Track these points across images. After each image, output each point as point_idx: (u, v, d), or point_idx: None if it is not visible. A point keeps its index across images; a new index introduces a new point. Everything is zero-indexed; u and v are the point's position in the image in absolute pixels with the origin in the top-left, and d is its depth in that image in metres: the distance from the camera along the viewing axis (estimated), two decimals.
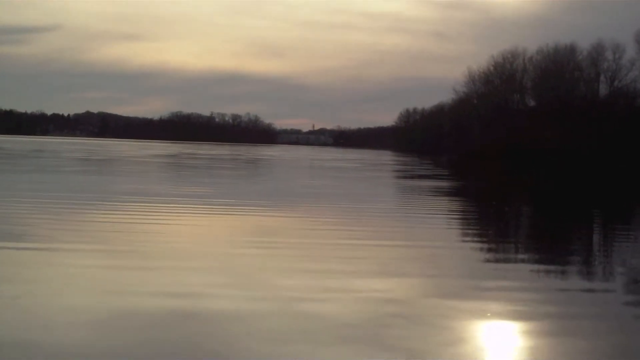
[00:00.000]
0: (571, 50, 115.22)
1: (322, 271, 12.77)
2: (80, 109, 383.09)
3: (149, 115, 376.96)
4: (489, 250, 17.03)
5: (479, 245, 17.74)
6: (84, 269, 12.33)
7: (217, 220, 20.44)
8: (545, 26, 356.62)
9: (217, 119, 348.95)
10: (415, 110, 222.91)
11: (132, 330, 8.68)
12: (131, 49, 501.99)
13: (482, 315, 9.93)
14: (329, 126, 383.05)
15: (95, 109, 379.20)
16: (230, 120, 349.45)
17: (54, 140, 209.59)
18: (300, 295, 10.69)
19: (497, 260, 15.38)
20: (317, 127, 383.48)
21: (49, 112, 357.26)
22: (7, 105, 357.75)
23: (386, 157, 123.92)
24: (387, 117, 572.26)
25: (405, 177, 53.74)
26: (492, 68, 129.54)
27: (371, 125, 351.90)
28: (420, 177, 53.08)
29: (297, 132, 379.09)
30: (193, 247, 15.47)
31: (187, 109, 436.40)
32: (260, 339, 8.45)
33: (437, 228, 20.52)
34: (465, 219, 23.93)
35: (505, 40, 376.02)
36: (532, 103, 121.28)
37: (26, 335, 8.37)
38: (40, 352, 7.82)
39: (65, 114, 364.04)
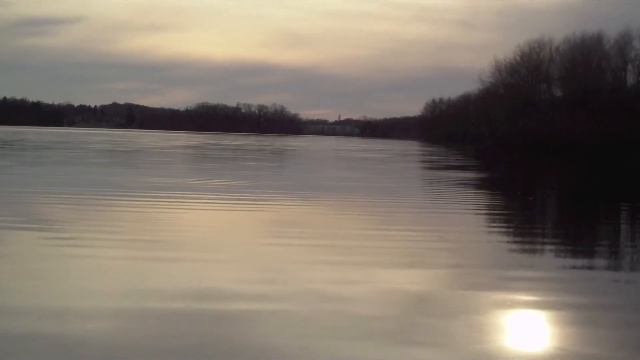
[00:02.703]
0: (598, 39, 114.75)
1: (347, 263, 12.60)
2: (106, 101, 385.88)
3: (175, 106, 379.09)
4: (518, 241, 16.75)
5: (509, 237, 17.45)
6: (110, 260, 12.28)
7: (242, 212, 20.22)
8: (572, 15, 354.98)
9: (243, 110, 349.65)
10: (441, 100, 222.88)
11: (157, 322, 8.57)
12: (156, 40, 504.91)
13: (508, 305, 9.80)
14: (355, 116, 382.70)
15: (121, 100, 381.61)
16: (257, 111, 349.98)
17: (80, 131, 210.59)
18: (325, 287, 10.55)
19: (525, 251, 15.10)
20: (343, 118, 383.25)
21: (75, 103, 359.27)
22: (34, 97, 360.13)
23: (413, 147, 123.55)
24: (413, 107, 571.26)
25: (434, 168, 53.41)
26: (518, 58, 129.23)
27: (397, 115, 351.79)
28: (450, 168, 52.69)
29: (323, 122, 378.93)
30: (218, 238, 15.37)
31: (213, 99, 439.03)
32: (286, 333, 8.33)
33: (467, 220, 20.17)
34: (496, 210, 23.60)
35: (531, 29, 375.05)
36: (558, 93, 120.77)
37: (43, 325, 8.28)
38: (60, 343, 7.70)
39: (92, 106, 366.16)
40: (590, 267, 13.50)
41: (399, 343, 7.97)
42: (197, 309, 9.13)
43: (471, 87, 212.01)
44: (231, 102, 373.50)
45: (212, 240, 15.09)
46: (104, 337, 7.86)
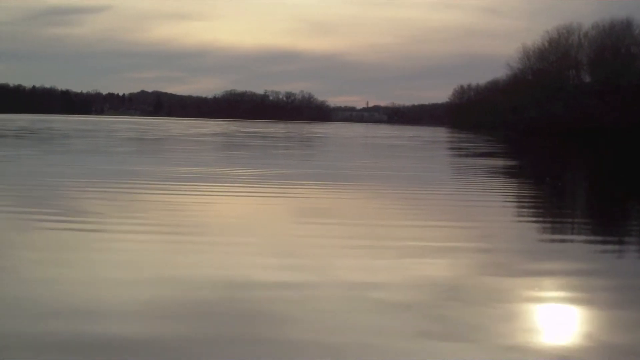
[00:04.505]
0: (627, 25, 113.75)
1: (374, 249, 12.51)
2: (134, 89, 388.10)
3: (202, 94, 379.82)
4: (549, 229, 16.55)
5: (540, 225, 17.18)
6: (140, 245, 12.43)
7: (270, 200, 20.12)
8: (599, 0, 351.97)
9: (271, 97, 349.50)
10: (469, 86, 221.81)
11: (186, 310, 8.55)
12: (184, 28, 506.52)
13: (536, 290, 9.80)
14: (383, 103, 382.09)
15: (149, 88, 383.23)
16: (284, 98, 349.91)
17: (108, 119, 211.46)
18: (354, 274, 10.52)
19: (555, 241, 14.87)
20: (371, 104, 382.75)
21: (104, 91, 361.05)
22: (63, 86, 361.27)
23: (442, 134, 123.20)
24: (441, 94, 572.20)
25: (464, 155, 53.07)
26: (546, 44, 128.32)
27: (425, 102, 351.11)
28: (481, 155, 52.39)
29: (351, 109, 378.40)
30: (247, 225, 15.30)
31: (241, 87, 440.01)
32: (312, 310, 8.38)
33: (499, 208, 19.94)
34: (530, 198, 23.33)
35: (559, 15, 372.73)
36: (587, 79, 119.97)
37: (76, 308, 8.35)
38: (90, 329, 7.72)
39: (120, 94, 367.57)
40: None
41: (426, 334, 7.84)
42: (225, 295, 9.14)
43: (499, 73, 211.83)
44: (259, 90, 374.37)
45: (242, 228, 14.97)
46: (134, 328, 7.77)
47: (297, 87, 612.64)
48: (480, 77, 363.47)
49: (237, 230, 14.59)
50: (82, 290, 9.21)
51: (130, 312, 8.33)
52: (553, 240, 14.92)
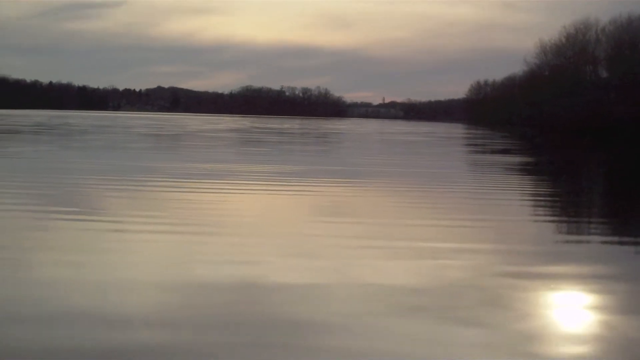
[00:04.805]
0: None
1: (390, 248, 12.49)
2: (151, 84, 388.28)
3: (219, 90, 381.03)
4: (568, 229, 16.41)
5: (558, 223, 17.02)
6: (157, 244, 12.46)
7: (287, 198, 20.09)
8: None
9: (287, 93, 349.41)
10: (486, 82, 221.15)
11: (204, 303, 8.72)
12: (200, 23, 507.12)
13: (553, 290, 9.84)
14: (399, 99, 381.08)
15: (166, 83, 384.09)
16: (301, 94, 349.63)
17: (125, 115, 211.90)
18: (370, 271, 10.58)
19: (573, 241, 14.73)
20: (387, 100, 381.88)
21: (120, 87, 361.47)
22: (80, 81, 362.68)
23: (458, 130, 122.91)
24: (457, 89, 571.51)
25: (481, 152, 52.87)
26: (563, 39, 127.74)
27: (441, 98, 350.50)
28: (497, 151, 52.20)
29: (367, 105, 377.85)
30: (262, 223, 15.33)
31: (257, 82, 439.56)
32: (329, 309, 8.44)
33: (515, 207, 19.78)
34: (546, 196, 23.16)
35: (576, 10, 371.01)
36: (604, 75, 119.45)
37: (92, 303, 8.48)
38: (108, 320, 7.85)
39: (137, 89, 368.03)
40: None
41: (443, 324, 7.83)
42: (242, 292, 9.20)
43: (515, 68, 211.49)
44: (275, 85, 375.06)
45: (260, 226, 14.91)
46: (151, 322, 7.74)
47: (313, 82, 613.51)
48: (497, 73, 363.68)
49: (254, 229, 14.52)
50: (98, 291, 9.14)
51: (148, 313, 8.27)
52: (571, 241, 14.76)
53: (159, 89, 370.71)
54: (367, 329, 7.90)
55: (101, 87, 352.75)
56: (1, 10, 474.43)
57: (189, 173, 25.65)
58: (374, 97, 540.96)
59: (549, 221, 17.62)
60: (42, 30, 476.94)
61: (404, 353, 7.22)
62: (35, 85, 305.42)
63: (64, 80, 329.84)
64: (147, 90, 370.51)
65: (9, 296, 8.92)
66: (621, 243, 14.66)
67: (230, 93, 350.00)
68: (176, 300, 8.81)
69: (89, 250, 11.71)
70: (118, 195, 19.16)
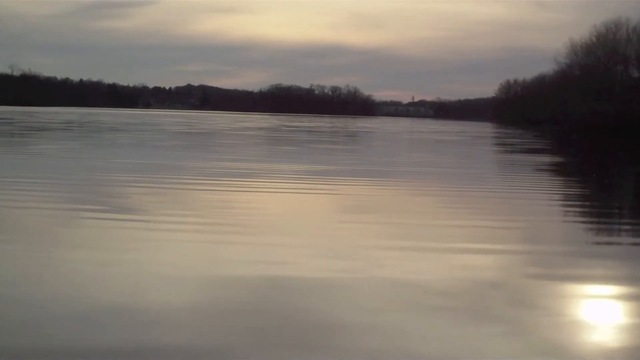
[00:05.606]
0: None
1: (416, 247, 12.43)
2: (181, 82, 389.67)
3: (248, 88, 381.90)
4: (604, 231, 16.14)
5: (595, 226, 16.75)
6: (187, 243, 12.42)
7: (316, 197, 19.98)
8: None
9: (316, 91, 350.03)
10: (515, 81, 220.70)
11: (231, 301, 8.68)
12: (229, 22, 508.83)
13: (585, 292, 9.73)
14: (429, 98, 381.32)
15: (195, 81, 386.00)
16: (330, 93, 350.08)
17: (154, 112, 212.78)
18: (395, 271, 10.55)
19: (605, 243, 14.43)
20: (416, 99, 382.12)
21: (150, 85, 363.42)
22: (110, 79, 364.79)
23: (488, 129, 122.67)
24: (487, 88, 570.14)
25: (512, 152, 52.56)
26: (594, 38, 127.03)
27: (471, 97, 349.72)
28: (529, 151, 51.86)
29: (397, 104, 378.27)
30: (292, 222, 15.28)
31: (287, 81, 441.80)
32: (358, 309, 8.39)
33: (547, 207, 19.51)
34: (579, 197, 22.88)
35: (606, 9, 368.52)
36: (635, 75, 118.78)
37: (122, 300, 8.48)
38: (134, 318, 7.84)
39: (167, 87, 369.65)
40: None
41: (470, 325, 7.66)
42: (272, 291, 9.14)
43: (545, 68, 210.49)
44: (304, 84, 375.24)
45: (289, 226, 14.81)
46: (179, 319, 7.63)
47: (342, 81, 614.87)
48: (528, 72, 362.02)
49: (284, 228, 14.40)
50: (127, 289, 8.99)
51: (180, 310, 8.12)
52: (603, 243, 14.47)
53: (189, 87, 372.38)
54: (396, 328, 7.75)
55: (131, 85, 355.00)
56: (32, 10, 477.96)
57: (219, 172, 25.56)
58: (403, 96, 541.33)
59: (581, 222, 17.37)
60: (72, 28, 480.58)
61: (431, 353, 7.05)
62: (65, 83, 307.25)
63: (94, 78, 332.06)
64: (177, 88, 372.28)
65: (46, 295, 8.79)
66: None
67: (260, 91, 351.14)
68: (206, 299, 8.70)
69: (119, 249, 11.60)
70: (148, 193, 19.10)
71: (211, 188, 20.62)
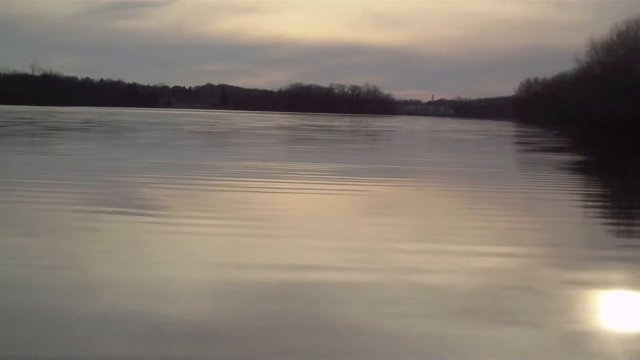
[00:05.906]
0: None
1: (437, 245, 12.63)
2: (201, 82, 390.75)
3: (268, 87, 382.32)
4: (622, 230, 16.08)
5: (619, 227, 16.70)
6: (209, 243, 12.57)
7: (338, 197, 19.96)
8: None
9: (336, 91, 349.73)
10: (536, 80, 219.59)
11: (247, 300, 8.74)
12: (249, 21, 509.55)
13: (602, 288, 9.80)
14: (449, 97, 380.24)
15: (215, 81, 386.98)
16: (350, 92, 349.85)
17: (174, 112, 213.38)
18: (415, 267, 10.75)
19: (626, 246, 14.33)
20: (436, 98, 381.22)
21: (170, 84, 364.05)
22: (130, 79, 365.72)
23: (509, 128, 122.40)
24: (507, 87, 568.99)
25: (532, 150, 52.45)
26: (615, 37, 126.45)
27: (491, 96, 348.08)
28: (550, 149, 51.71)
29: (417, 102, 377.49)
30: (315, 223, 15.24)
31: (307, 80, 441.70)
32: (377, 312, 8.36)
33: (569, 207, 19.46)
34: (602, 196, 22.82)
35: (627, 8, 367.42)
36: None
37: (140, 303, 8.49)
38: (151, 320, 7.82)
39: (187, 87, 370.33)
40: None
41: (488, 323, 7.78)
42: (290, 291, 9.20)
43: (566, 67, 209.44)
44: (324, 83, 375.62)
45: (312, 224, 14.91)
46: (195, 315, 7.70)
47: (362, 80, 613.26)
48: (548, 71, 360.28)
49: (307, 228, 14.42)
50: (147, 291, 9.01)
51: (204, 305, 8.12)
52: (625, 246, 14.37)
53: (209, 86, 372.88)
54: (421, 330, 7.71)
55: (151, 84, 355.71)
56: (52, 10, 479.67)
57: (241, 171, 25.59)
58: (423, 95, 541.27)
59: (604, 223, 17.29)
60: (93, 28, 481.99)
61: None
62: (86, 83, 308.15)
63: (115, 78, 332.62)
64: (197, 87, 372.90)
65: (67, 298, 8.80)
66: None
67: (280, 90, 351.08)
68: (226, 300, 8.69)
69: (141, 249, 11.65)
70: (170, 194, 19.11)
71: (235, 188, 20.69)
